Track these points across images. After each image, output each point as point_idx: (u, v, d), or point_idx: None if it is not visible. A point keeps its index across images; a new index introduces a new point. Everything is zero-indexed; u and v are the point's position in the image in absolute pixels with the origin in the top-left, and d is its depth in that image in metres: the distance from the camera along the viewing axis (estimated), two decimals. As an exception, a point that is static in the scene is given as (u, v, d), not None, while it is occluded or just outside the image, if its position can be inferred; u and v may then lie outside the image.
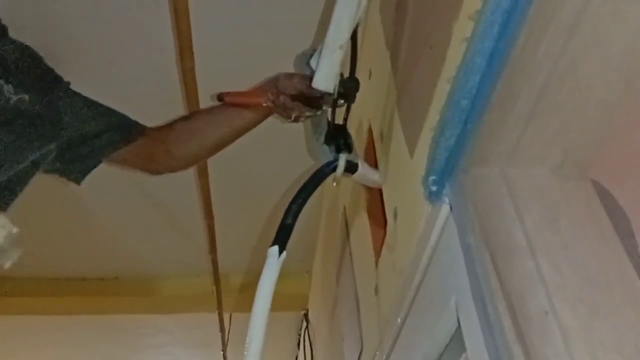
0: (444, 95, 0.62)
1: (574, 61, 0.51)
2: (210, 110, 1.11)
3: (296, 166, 1.37)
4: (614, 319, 0.50)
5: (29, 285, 2.37)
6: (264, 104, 1.02)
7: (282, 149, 1.56)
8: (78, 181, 1.06)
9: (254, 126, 1.08)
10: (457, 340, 0.70)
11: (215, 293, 2.26)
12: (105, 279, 2.44)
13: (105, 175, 1.75)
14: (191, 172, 1.60)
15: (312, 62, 0.92)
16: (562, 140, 0.61)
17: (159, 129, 1.11)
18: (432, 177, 0.70)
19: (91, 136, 1.01)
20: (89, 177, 1.06)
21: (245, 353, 0.74)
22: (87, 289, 2.43)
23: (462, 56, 0.57)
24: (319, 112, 0.98)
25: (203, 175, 1.53)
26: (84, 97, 1.03)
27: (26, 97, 0.92)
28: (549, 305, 0.51)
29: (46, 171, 1.02)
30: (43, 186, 1.70)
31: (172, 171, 1.12)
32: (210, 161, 1.50)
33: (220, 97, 1.04)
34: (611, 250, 0.56)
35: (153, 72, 1.34)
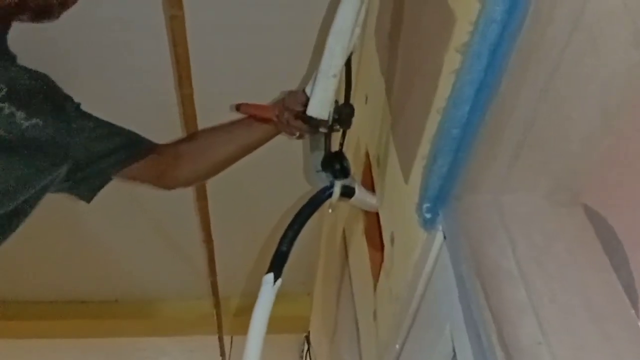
0: (435, 125, 0.63)
1: (556, 96, 0.52)
2: (219, 129, 1.14)
3: (295, 189, 1.38)
4: (607, 350, 0.50)
5: (28, 309, 2.36)
6: (272, 118, 1.06)
7: (282, 172, 1.57)
8: (87, 199, 1.08)
9: (262, 143, 1.12)
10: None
11: (215, 316, 2.25)
12: (105, 301, 2.43)
13: (106, 199, 1.77)
14: (190, 196, 1.61)
15: (307, 89, 0.93)
16: (551, 169, 0.61)
17: (170, 145, 1.14)
18: (425, 205, 0.70)
19: (101, 155, 1.02)
20: (98, 195, 1.08)
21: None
22: (87, 312, 2.41)
23: (452, 87, 0.58)
24: (316, 133, 1.00)
25: (202, 198, 1.54)
26: (94, 117, 1.04)
27: (39, 122, 0.93)
28: (542, 335, 0.52)
29: (55, 191, 1.03)
30: (43, 209, 1.72)
31: (183, 186, 1.16)
32: (210, 184, 1.51)
33: (237, 107, 1.10)
34: (604, 279, 0.56)
35: (151, 97, 1.35)
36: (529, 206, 0.63)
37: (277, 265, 0.82)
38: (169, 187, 1.15)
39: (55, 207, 1.80)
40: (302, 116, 0.95)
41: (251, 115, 1.10)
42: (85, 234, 1.99)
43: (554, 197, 0.64)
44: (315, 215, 1.01)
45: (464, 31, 0.54)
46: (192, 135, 1.18)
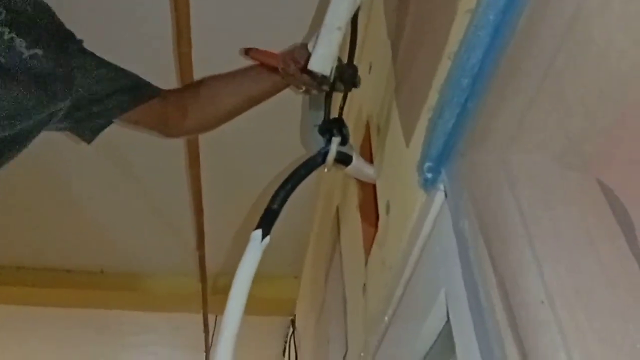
0: (445, 73, 0.59)
1: (580, 40, 0.48)
2: (227, 78, 1.11)
3: (292, 161, 1.34)
4: (613, 311, 0.47)
5: (9, 274, 2.32)
6: (279, 69, 1.02)
7: (279, 142, 1.53)
8: (88, 140, 1.05)
9: (270, 96, 1.09)
10: (445, 337, 0.66)
11: (201, 292, 2.21)
12: (91, 272, 2.39)
13: (94, 163, 1.73)
14: (182, 163, 1.57)
15: (310, 45, 0.89)
16: (566, 126, 0.58)
17: (175, 91, 1.12)
18: (427, 164, 0.67)
19: (102, 96, 0.99)
20: (99, 136, 1.05)
21: (218, 340, 0.70)
22: (71, 281, 2.38)
23: (465, 28, 0.54)
24: (321, 91, 0.97)
25: (194, 165, 1.49)
26: (97, 56, 1.01)
27: (39, 52, 0.89)
28: (545, 294, 0.48)
29: (56, 129, 1.00)
30: (28, 172, 1.68)
31: (186, 134, 1.15)
32: (203, 152, 1.47)
33: (246, 51, 1.07)
34: (612, 241, 0.53)
35: (146, 54, 1.31)
36: (536, 166, 0.59)
37: (266, 222, 0.78)
38: (172, 135, 1.12)
39: (40, 170, 1.77)
40: (309, 70, 0.91)
41: (259, 62, 1.06)
42: (72, 200, 1.95)
43: (565, 160, 0.60)
44: (308, 194, 0.99)
45: (483, -36, 0.50)
46: (200, 82, 1.13)
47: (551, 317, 0.46)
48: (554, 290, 0.48)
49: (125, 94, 1.01)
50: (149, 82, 1.06)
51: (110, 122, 1.03)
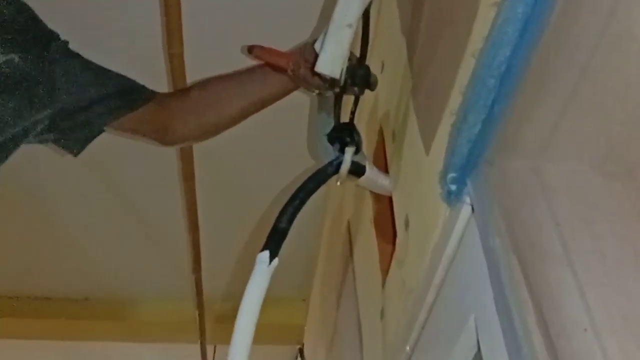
0: (469, 73, 0.60)
1: (620, 28, 0.48)
2: (229, 79, 1.10)
3: (298, 171, 1.34)
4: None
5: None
6: (287, 70, 1.01)
7: (284, 150, 1.54)
8: (75, 152, 1.04)
9: (277, 99, 1.08)
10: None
11: (197, 320, 2.21)
12: (74, 299, 2.40)
13: (77, 179, 1.75)
14: (175, 175, 1.58)
15: (317, 45, 0.90)
16: (607, 131, 0.58)
17: (174, 94, 1.12)
18: (451, 174, 0.67)
19: (90, 103, 0.98)
20: (88, 148, 1.05)
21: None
22: (53, 310, 2.39)
23: (490, 24, 0.55)
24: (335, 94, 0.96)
25: (189, 177, 1.50)
26: (84, 59, 1.01)
27: (15, 57, 0.89)
28: (589, 321, 0.48)
29: (39, 141, 1.00)
30: (6, 191, 1.69)
31: (186, 142, 1.13)
32: (198, 163, 1.48)
33: (250, 48, 1.04)
34: (663, 260, 0.53)
35: (137, 56, 1.33)
36: (575, 176, 0.60)
37: (273, 243, 0.78)
38: (171, 143, 1.12)
39: (16, 186, 1.78)
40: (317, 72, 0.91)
41: (265, 61, 1.05)
42: (52, 219, 1.96)
43: (606, 168, 0.61)
44: (315, 208, 0.99)
45: (510, -48, 0.50)
46: (201, 85, 1.12)
47: (596, 346, 0.46)
48: (599, 317, 0.48)
49: (115, 99, 1.01)
50: (142, 86, 1.06)
51: (100, 132, 1.03)
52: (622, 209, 0.59)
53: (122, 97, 1.02)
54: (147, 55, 1.32)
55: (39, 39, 0.96)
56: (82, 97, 0.98)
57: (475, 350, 0.64)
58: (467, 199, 0.65)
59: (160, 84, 1.36)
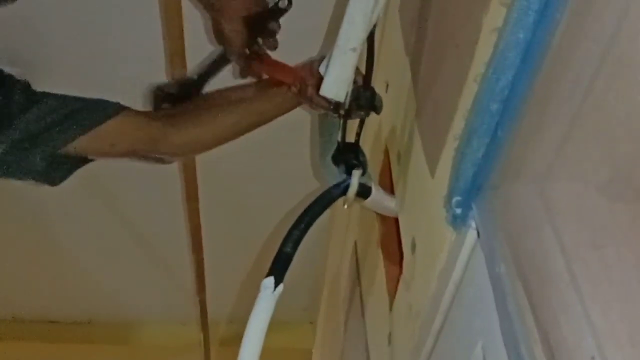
0: (471, 98, 0.61)
1: (622, 56, 0.49)
2: (227, 91, 1.09)
3: (303, 190, 1.35)
4: (677, 366, 0.47)
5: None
6: (291, 87, 1.00)
7: (288, 171, 1.55)
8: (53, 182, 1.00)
9: (277, 116, 1.05)
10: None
11: (202, 343, 2.21)
12: (77, 322, 2.41)
13: (77, 200, 1.76)
14: (179, 197, 1.59)
15: (321, 68, 0.91)
16: (612, 154, 0.58)
17: (166, 109, 1.09)
18: (456, 198, 0.68)
19: (55, 122, 0.94)
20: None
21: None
22: (56, 333, 2.39)
23: (492, 50, 0.56)
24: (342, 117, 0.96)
25: (193, 198, 1.51)
26: (47, 93, 0.97)
27: None
28: (597, 349, 0.48)
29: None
30: (3, 212, 1.70)
31: (182, 155, 1.10)
32: (202, 183, 1.49)
33: (246, 67, 1.04)
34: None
35: (139, 78, 1.35)
36: (580, 198, 0.60)
37: (278, 268, 0.79)
38: (164, 155, 1.05)
39: (17, 208, 1.79)
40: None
41: (267, 74, 1.03)
42: (54, 242, 1.98)
43: (612, 191, 0.61)
44: (321, 229, 0.98)
45: (510, -20, 0.52)
46: (197, 97, 1.10)
47: (604, 375, 0.46)
48: (607, 344, 0.48)
49: (83, 113, 0.97)
50: (116, 102, 1.02)
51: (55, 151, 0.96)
52: (629, 231, 0.59)
53: (90, 111, 0.98)
54: (151, 75, 1.34)
55: None
56: (45, 121, 0.94)
57: (483, 378, 0.64)
58: (473, 224, 0.66)
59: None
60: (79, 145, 0.97)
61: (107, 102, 1.01)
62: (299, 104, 1.04)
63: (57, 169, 0.99)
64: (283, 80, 1.02)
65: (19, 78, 0.98)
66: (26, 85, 0.97)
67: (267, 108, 1.05)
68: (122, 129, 0.99)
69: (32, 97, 0.96)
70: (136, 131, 1.00)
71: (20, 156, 0.94)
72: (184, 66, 1.24)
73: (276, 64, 1.04)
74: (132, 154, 1.03)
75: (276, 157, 1.47)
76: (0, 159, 0.93)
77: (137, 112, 1.03)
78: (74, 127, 0.96)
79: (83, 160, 1.01)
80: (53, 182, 1.00)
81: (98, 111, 0.99)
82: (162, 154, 1.05)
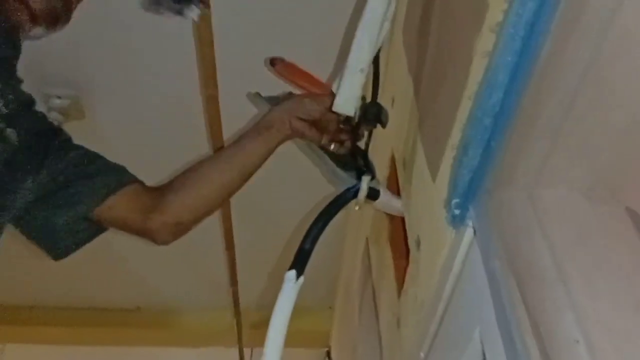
0: (466, 113, 0.61)
1: (598, 79, 0.49)
2: (213, 156, 0.99)
3: (318, 193, 1.36)
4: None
5: (50, 315, 2.38)
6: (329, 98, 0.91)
7: (305, 176, 1.55)
8: (60, 254, 0.92)
9: (265, 158, 0.95)
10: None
11: (235, 327, 2.23)
12: (127, 309, 2.44)
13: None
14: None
15: (334, 86, 0.92)
16: (591, 162, 0.58)
17: (155, 187, 0.95)
18: (455, 200, 0.67)
19: (76, 178, 0.86)
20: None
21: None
22: (109, 319, 2.42)
23: (484, 71, 0.55)
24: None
25: (225, 205, 1.53)
26: (83, 147, 0.90)
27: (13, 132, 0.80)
28: (580, 333, 0.48)
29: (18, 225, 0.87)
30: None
31: (174, 224, 0.92)
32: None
33: (272, 61, 0.98)
34: (648, 277, 0.52)
35: (176, 98, 1.36)
36: (565, 201, 0.59)
37: (299, 263, 0.79)
38: (155, 226, 0.91)
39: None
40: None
41: (299, 85, 0.96)
42: (108, 240, 1.99)
43: (593, 194, 0.60)
44: (337, 225, 0.97)
45: (498, 9, 0.51)
46: (186, 171, 0.96)
47: (586, 357, 0.46)
48: (589, 329, 0.48)
49: (105, 176, 0.88)
50: (124, 168, 0.94)
51: (86, 214, 0.88)
52: (609, 229, 0.58)
53: (112, 175, 0.90)
54: (184, 96, 1.36)
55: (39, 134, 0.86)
56: (68, 174, 0.86)
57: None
58: (470, 223, 0.66)
59: (197, 123, 1.40)
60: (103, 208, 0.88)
61: (121, 167, 0.94)
62: (281, 142, 0.96)
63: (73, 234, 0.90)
64: (319, 90, 0.96)
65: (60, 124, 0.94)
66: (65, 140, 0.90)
67: (254, 156, 0.94)
68: (127, 196, 0.90)
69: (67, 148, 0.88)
70: (132, 199, 0.90)
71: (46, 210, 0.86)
72: (216, 88, 1.25)
73: (311, 76, 0.98)
74: (122, 219, 0.91)
75: (295, 168, 1.48)
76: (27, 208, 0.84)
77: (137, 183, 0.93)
78: (113, 183, 0.89)
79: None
80: (60, 252, 0.92)
81: (127, 173, 0.93)
82: (152, 225, 0.91)
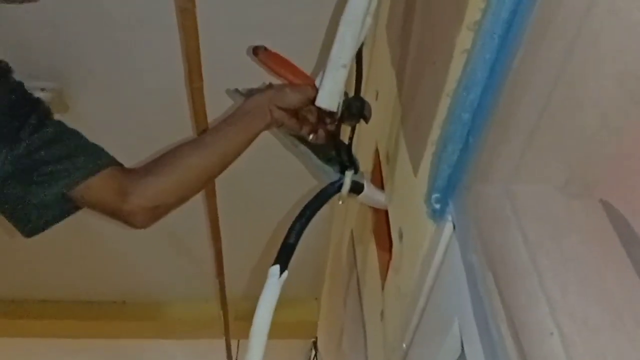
0: (446, 109, 0.62)
1: (573, 77, 0.50)
2: (193, 141, 0.96)
3: (304, 185, 1.36)
4: (622, 340, 0.48)
5: (34, 308, 2.37)
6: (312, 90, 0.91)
7: (290, 168, 1.56)
8: (29, 231, 0.89)
9: (246, 146, 0.94)
10: (462, 365, 0.67)
11: (222, 318, 2.23)
12: (113, 302, 2.43)
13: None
14: (200, 195, 1.60)
15: (317, 81, 0.92)
16: (566, 158, 0.59)
17: (133, 169, 0.93)
18: (435, 195, 0.69)
19: (57, 158, 0.84)
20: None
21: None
22: (95, 312, 2.42)
23: (462, 68, 0.56)
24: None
25: (211, 196, 1.53)
26: (63, 124, 0.88)
27: None
28: (554, 325, 0.49)
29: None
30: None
31: (151, 206, 0.89)
32: (219, 182, 1.50)
33: (254, 50, 0.95)
34: (620, 271, 0.54)
35: (161, 91, 1.35)
36: (541, 196, 0.61)
37: (283, 257, 0.80)
38: (132, 208, 0.88)
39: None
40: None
41: (281, 75, 0.94)
42: (93, 233, 1.99)
43: (568, 189, 0.62)
44: (324, 218, 0.97)
45: (476, 8, 0.52)
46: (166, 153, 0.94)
47: (560, 349, 0.47)
48: (563, 322, 0.49)
49: (84, 156, 0.86)
50: (103, 150, 0.92)
51: (64, 197, 0.85)
52: (584, 224, 0.60)
53: (93, 155, 0.88)
54: (170, 89, 1.35)
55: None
56: (46, 152, 0.84)
57: (459, 351, 0.66)
58: (450, 217, 0.67)
59: (182, 115, 1.39)
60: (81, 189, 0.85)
61: (101, 149, 0.91)
62: (261, 130, 0.94)
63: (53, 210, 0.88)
64: (302, 81, 0.95)
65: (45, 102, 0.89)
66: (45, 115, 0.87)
67: (236, 142, 0.93)
68: (105, 178, 0.87)
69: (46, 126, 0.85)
70: (110, 182, 0.88)
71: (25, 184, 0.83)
72: (201, 80, 1.25)
73: (294, 67, 0.96)
74: (98, 201, 0.88)
75: (281, 160, 1.48)
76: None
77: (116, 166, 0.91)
78: (95, 162, 0.87)
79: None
80: (32, 229, 0.89)
81: (109, 155, 0.91)
82: (130, 207, 0.88)
